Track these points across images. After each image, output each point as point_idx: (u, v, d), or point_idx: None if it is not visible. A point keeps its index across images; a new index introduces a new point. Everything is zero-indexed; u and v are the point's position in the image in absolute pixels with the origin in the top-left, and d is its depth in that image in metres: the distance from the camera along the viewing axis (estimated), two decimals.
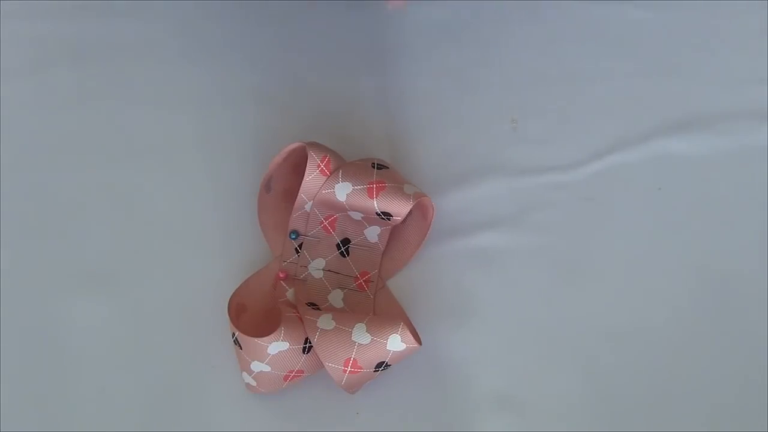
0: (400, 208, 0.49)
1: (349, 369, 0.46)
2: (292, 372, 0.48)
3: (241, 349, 0.47)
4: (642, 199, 0.54)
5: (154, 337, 0.51)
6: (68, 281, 0.52)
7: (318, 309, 0.50)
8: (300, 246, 0.52)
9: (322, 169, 0.50)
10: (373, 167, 0.50)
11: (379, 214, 0.50)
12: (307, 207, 0.51)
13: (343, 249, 0.52)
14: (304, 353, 0.47)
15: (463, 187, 0.54)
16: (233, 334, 0.48)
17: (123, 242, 0.52)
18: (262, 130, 0.55)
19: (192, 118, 0.56)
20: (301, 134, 0.53)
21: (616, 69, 0.57)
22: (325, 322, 0.47)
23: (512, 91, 0.57)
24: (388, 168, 0.51)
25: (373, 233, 0.52)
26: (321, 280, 0.51)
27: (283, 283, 0.51)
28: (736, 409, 0.49)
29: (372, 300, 0.51)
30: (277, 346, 0.46)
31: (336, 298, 0.51)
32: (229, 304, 0.49)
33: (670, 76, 0.57)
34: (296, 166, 0.52)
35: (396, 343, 0.46)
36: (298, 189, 0.51)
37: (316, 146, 0.50)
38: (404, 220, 0.50)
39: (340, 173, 0.50)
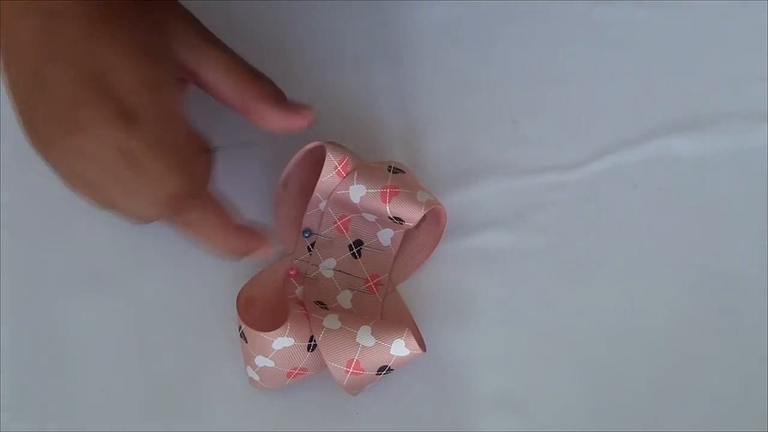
0: (411, 215, 0.49)
1: (351, 370, 0.46)
2: (295, 369, 0.48)
3: (246, 343, 0.47)
4: (642, 199, 0.54)
5: (155, 336, 0.51)
6: (70, 281, 0.51)
7: (326, 308, 0.50)
8: (312, 245, 0.52)
9: (338, 170, 0.50)
10: (389, 171, 0.50)
11: (391, 218, 0.50)
12: (321, 206, 0.51)
13: (355, 250, 0.52)
14: (308, 351, 0.47)
15: (463, 187, 0.54)
16: (240, 327, 0.48)
17: (126, 240, 0.52)
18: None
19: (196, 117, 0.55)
20: (303, 133, 0.52)
21: (616, 69, 0.57)
22: (332, 321, 0.47)
23: (512, 91, 0.56)
24: (404, 173, 0.50)
25: (386, 236, 0.52)
26: (331, 279, 0.51)
27: (293, 280, 0.51)
28: (736, 409, 0.49)
29: (381, 303, 0.51)
30: (282, 341, 0.46)
31: (345, 298, 0.51)
32: (238, 296, 0.49)
33: (670, 76, 0.57)
34: (315, 164, 0.51)
35: (400, 348, 0.46)
36: (315, 188, 0.50)
37: (335, 147, 0.50)
38: (417, 225, 0.50)
39: (355, 175, 0.50)
